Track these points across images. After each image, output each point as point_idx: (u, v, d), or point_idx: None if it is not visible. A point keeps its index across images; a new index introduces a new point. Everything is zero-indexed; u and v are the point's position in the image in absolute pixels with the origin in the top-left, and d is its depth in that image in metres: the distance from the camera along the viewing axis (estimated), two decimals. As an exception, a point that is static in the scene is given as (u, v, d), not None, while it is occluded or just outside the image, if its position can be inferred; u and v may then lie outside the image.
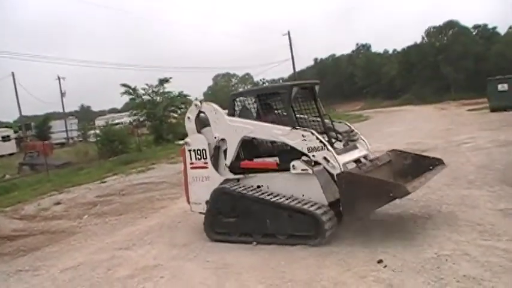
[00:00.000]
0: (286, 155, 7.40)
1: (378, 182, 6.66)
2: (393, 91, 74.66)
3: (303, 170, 7.08)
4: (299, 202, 6.99)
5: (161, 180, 16.30)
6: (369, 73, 77.93)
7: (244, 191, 7.43)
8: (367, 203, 6.59)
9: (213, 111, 8.14)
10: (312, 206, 6.85)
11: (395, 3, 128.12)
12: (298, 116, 8.01)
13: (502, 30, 74.38)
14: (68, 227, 10.66)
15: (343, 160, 7.05)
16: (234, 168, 7.87)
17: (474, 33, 74.52)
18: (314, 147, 7.00)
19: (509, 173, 10.11)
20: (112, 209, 12.07)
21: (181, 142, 29.84)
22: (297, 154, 7.25)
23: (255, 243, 7.28)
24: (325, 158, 6.94)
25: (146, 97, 33.62)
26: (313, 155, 7.04)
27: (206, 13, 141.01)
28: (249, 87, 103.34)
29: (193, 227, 8.84)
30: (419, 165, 7.70)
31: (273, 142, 7.73)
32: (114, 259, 7.64)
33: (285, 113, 7.76)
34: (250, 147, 7.87)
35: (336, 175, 6.79)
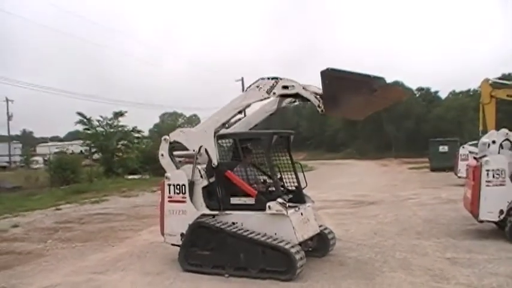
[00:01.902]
0: (262, 195, 8.09)
1: (360, 76, 7.26)
2: (336, 144, 77.22)
3: (277, 210, 7.77)
4: (274, 240, 7.65)
5: (119, 212, 16.63)
6: (313, 125, 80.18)
7: (222, 226, 8.02)
8: (348, 96, 7.37)
9: (180, 133, 8.85)
10: (286, 244, 7.53)
11: (346, 58, 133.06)
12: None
13: (443, 94, 79.19)
14: (33, 249, 10.77)
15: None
16: (214, 193, 8.44)
17: (417, 95, 78.71)
18: (271, 86, 7.83)
19: (452, 227, 11.23)
20: (75, 236, 12.26)
21: (130, 177, 29.96)
22: (271, 196, 7.97)
23: (227, 275, 7.83)
24: (284, 87, 7.74)
25: (100, 129, 33.79)
26: (273, 93, 7.86)
27: (160, 49, 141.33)
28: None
29: (163, 257, 9.31)
30: None
31: (250, 183, 8.39)
32: (91, 282, 7.93)
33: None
34: (227, 185, 8.47)
35: (321, 72, 7.32)
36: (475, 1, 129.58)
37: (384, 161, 55.18)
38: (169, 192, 8.74)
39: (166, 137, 8.94)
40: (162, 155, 8.92)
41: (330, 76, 7.26)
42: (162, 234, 8.95)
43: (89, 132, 33.71)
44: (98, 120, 33.96)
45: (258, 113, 9.43)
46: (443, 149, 32.86)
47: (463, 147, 23.52)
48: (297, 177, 8.94)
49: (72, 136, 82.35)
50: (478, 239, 9.83)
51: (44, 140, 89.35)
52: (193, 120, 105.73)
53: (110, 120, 34.11)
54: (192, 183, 8.52)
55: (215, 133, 8.42)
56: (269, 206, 7.80)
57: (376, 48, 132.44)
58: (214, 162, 8.36)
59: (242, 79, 56.97)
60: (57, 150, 40.95)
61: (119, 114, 34.41)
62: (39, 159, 41.58)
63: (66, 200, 20.24)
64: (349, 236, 10.69)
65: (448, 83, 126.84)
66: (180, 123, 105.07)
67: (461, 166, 21.61)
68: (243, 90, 54.42)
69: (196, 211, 8.45)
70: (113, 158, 33.24)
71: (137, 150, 34.89)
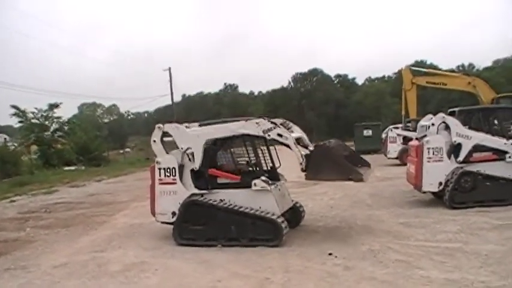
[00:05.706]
0: (248, 174, 9.29)
1: (344, 164, 8.74)
2: (257, 131, 79.08)
3: (262, 187, 9.00)
4: (261, 212, 8.88)
5: (78, 201, 17.21)
6: (235, 112, 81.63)
7: (214, 203, 9.15)
8: (329, 174, 8.69)
9: (175, 128, 9.73)
10: (271, 215, 8.79)
11: (265, 49, 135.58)
12: None
13: (360, 81, 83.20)
14: (18, 237, 11.26)
15: (292, 135, 9.13)
16: (201, 175, 9.49)
17: (336, 82, 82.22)
18: (268, 128, 8.99)
19: (396, 199, 12.99)
20: (51, 223, 12.80)
21: (67, 168, 30.00)
22: (254, 175, 9.19)
23: (220, 245, 8.97)
24: (279, 135, 8.95)
25: (35, 121, 33.40)
26: (268, 135, 9.03)
27: (83, 38, 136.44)
28: (115, 117, 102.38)
29: (152, 236, 10.25)
30: (352, 159, 9.65)
31: (236, 164, 9.56)
32: (97, 259, 8.69)
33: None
34: (215, 167, 9.58)
35: (315, 146, 8.96)
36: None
37: (308, 146, 57.38)
38: (160, 175, 9.68)
39: (160, 125, 9.80)
40: (155, 141, 9.80)
41: (322, 154, 8.76)
42: (153, 214, 9.88)
43: (22, 125, 33.21)
44: (33, 112, 33.61)
45: None
46: (367, 133, 35.17)
47: (391, 130, 25.44)
48: (271, 159, 10.18)
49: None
50: (422, 207, 11.59)
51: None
52: (112, 110, 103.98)
53: (44, 112, 33.77)
54: (181, 166, 9.55)
55: (205, 142, 9.42)
56: (255, 183, 9.01)
57: (298, 34, 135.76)
58: (196, 166, 9.41)
59: (169, 69, 56.83)
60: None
61: (54, 106, 34.12)
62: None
63: (15, 193, 20.36)
64: (309, 210, 12.01)
65: (363, 71, 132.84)
66: (99, 114, 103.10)
67: (391, 147, 23.70)
68: (170, 79, 55.00)
69: (186, 191, 9.47)
70: (49, 149, 32.98)
71: (72, 141, 34.84)
